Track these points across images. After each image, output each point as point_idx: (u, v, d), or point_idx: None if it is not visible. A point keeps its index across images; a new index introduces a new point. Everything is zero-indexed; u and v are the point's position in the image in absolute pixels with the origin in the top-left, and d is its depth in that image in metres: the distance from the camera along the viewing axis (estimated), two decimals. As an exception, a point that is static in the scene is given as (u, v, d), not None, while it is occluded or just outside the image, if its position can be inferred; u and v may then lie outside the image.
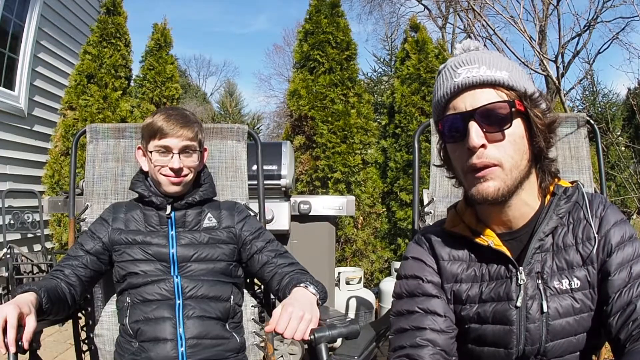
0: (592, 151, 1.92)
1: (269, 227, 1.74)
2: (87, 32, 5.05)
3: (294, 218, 2.82)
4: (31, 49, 4.51)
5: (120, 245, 1.45)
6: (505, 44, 4.46)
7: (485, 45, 4.80)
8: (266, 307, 1.66)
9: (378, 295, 3.65)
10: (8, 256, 3.64)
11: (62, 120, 4.42)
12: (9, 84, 4.39)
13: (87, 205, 1.73)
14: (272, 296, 1.64)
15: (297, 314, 1.11)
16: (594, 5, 4.09)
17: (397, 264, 3.63)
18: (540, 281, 0.93)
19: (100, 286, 1.64)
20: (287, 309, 1.12)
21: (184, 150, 1.43)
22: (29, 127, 4.60)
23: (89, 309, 1.62)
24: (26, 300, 1.14)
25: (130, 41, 4.65)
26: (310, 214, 2.85)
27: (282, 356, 2.69)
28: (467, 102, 0.90)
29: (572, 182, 1.01)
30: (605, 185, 1.83)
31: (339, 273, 3.46)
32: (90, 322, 1.61)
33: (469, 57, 0.92)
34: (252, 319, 1.58)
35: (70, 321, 1.61)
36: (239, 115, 17.29)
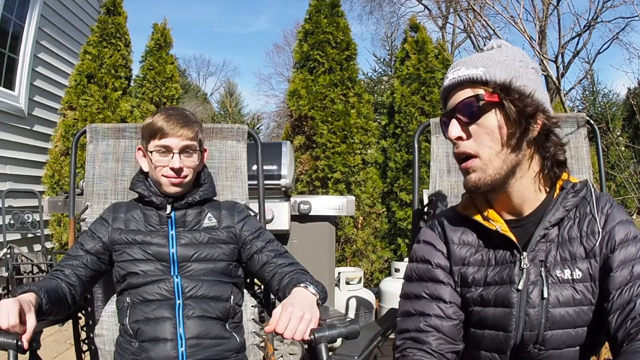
0: (592, 151, 1.92)
1: (269, 227, 1.74)
2: (87, 32, 5.05)
3: (294, 218, 2.82)
4: (31, 49, 4.52)
5: (120, 245, 1.45)
6: (505, 44, 4.46)
7: (484, 44, 4.80)
8: (266, 307, 1.66)
9: (378, 295, 3.65)
10: (8, 256, 3.64)
11: (62, 120, 4.42)
12: (9, 84, 4.39)
13: (87, 205, 1.73)
14: (272, 296, 1.64)
15: (297, 314, 1.11)
16: (594, 5, 4.10)
17: (397, 264, 3.63)
18: (543, 269, 0.96)
19: (100, 286, 1.64)
20: (287, 309, 1.12)
21: (184, 150, 1.43)
22: (29, 127, 4.60)
23: (89, 309, 1.62)
24: (26, 300, 1.14)
25: (130, 41, 4.65)
26: (310, 214, 2.85)
27: (282, 356, 2.69)
28: (451, 102, 1.00)
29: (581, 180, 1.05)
30: (605, 185, 1.83)
31: (339, 273, 3.46)
32: (90, 322, 1.61)
33: (456, 61, 1.02)
34: (252, 319, 1.58)
35: (70, 321, 1.61)
36: (239, 115, 17.29)
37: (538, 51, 3.20)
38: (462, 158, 0.99)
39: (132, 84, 4.71)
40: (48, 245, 4.31)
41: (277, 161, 2.84)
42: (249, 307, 1.58)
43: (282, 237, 2.65)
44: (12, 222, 4.02)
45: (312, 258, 2.65)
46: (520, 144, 0.95)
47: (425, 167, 3.25)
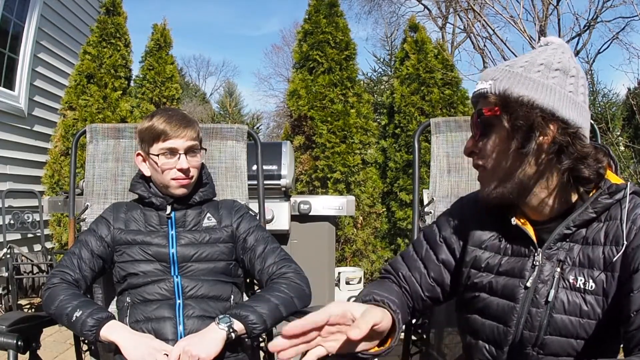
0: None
1: (269, 227, 1.74)
2: (87, 32, 5.05)
3: (294, 218, 2.83)
4: (31, 49, 4.52)
5: (121, 246, 1.45)
6: (505, 44, 4.47)
7: (485, 46, 4.80)
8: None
9: (378, 295, 3.65)
10: (8, 256, 3.64)
11: (62, 120, 4.42)
12: (9, 84, 4.39)
13: (87, 205, 1.73)
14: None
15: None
16: (594, 5, 4.09)
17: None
18: (558, 269, 0.92)
19: (100, 286, 1.64)
20: (180, 344, 1.25)
21: (189, 151, 1.43)
22: (29, 127, 4.60)
23: (89, 309, 1.62)
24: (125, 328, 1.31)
25: (130, 41, 4.65)
26: (310, 214, 2.85)
27: (282, 356, 2.69)
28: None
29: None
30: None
31: (339, 273, 3.46)
32: (91, 322, 1.61)
33: (483, 72, 1.01)
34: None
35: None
36: (239, 115, 17.29)
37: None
38: (476, 169, 0.99)
39: (132, 84, 4.71)
40: (48, 245, 4.31)
41: (277, 161, 2.84)
42: (249, 307, 1.58)
43: (282, 237, 2.65)
44: (12, 222, 4.02)
45: (312, 258, 2.65)
46: (521, 159, 0.90)
47: (425, 167, 3.25)
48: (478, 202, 1.02)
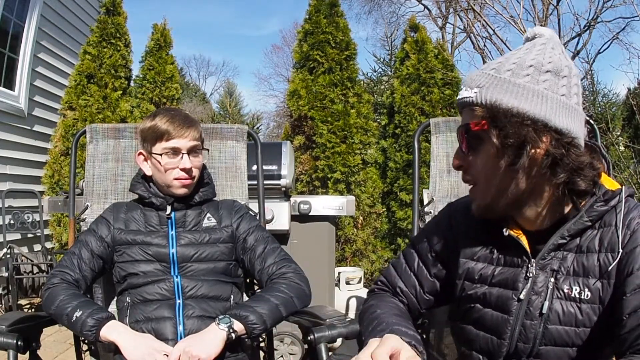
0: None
1: (269, 227, 1.74)
2: (87, 32, 5.05)
3: (294, 218, 2.82)
4: (31, 49, 4.51)
5: (121, 246, 1.45)
6: (505, 44, 4.47)
7: (485, 46, 4.80)
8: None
9: (378, 295, 3.64)
10: (8, 256, 3.64)
11: (62, 120, 4.42)
12: (9, 84, 4.39)
13: (87, 205, 1.73)
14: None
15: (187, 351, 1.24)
16: (594, 5, 4.10)
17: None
18: (552, 279, 0.90)
19: (100, 286, 1.65)
20: (180, 345, 1.26)
21: (192, 150, 1.44)
22: (29, 127, 4.60)
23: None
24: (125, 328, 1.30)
25: (130, 41, 4.65)
26: (310, 214, 2.85)
27: (282, 356, 2.69)
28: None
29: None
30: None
31: (339, 273, 3.46)
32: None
33: (466, 76, 0.94)
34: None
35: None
36: (239, 115, 17.30)
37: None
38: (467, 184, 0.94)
39: (132, 84, 4.71)
40: (48, 245, 4.31)
41: (277, 161, 2.84)
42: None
43: (282, 237, 2.65)
44: (12, 222, 4.02)
45: (312, 258, 2.65)
46: (512, 176, 0.86)
47: (425, 167, 3.25)
48: (469, 210, 0.98)
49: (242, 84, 44.29)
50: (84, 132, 1.79)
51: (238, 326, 1.29)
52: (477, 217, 0.95)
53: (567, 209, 0.90)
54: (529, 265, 0.92)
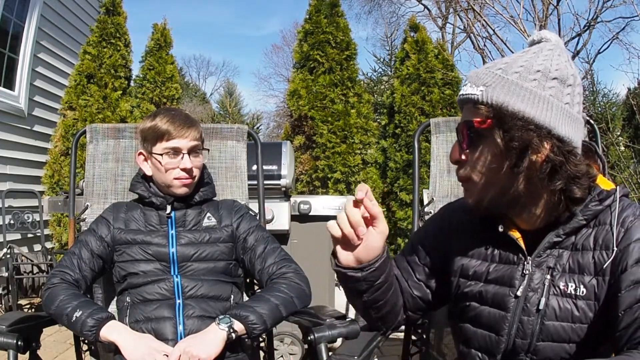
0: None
1: (269, 227, 1.74)
2: (87, 32, 5.05)
3: (294, 218, 2.83)
4: (31, 49, 4.52)
5: (121, 245, 1.45)
6: (505, 44, 4.47)
7: (485, 46, 4.80)
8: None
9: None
10: (8, 256, 3.64)
11: (62, 120, 4.42)
12: (9, 84, 4.39)
13: (87, 205, 1.73)
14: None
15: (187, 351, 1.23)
16: (594, 5, 4.10)
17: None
18: (548, 276, 0.91)
19: (100, 286, 1.65)
20: (180, 345, 1.25)
21: (192, 150, 1.44)
22: (29, 127, 4.60)
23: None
24: (125, 328, 1.30)
25: (130, 41, 4.65)
26: (310, 214, 2.85)
27: (282, 356, 2.69)
28: (461, 118, 0.94)
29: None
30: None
31: (339, 273, 3.45)
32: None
33: (470, 73, 0.94)
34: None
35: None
36: (239, 115, 17.30)
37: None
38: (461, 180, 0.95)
39: (132, 84, 4.71)
40: (48, 245, 4.31)
41: (277, 161, 2.84)
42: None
43: (282, 237, 2.65)
44: (12, 222, 4.02)
45: (312, 258, 2.64)
46: (512, 178, 0.87)
47: (425, 167, 3.25)
48: (465, 209, 0.99)
49: (242, 84, 44.29)
50: (84, 132, 1.79)
51: (238, 326, 1.28)
52: (472, 213, 0.96)
53: (562, 209, 0.91)
54: (525, 263, 0.93)
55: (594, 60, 3.73)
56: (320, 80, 4.42)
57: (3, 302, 3.70)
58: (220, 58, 52.66)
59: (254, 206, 1.72)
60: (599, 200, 0.89)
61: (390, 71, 10.89)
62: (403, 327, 1.57)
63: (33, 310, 3.99)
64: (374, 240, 0.93)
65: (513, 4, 4.40)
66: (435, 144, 1.80)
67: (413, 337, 1.62)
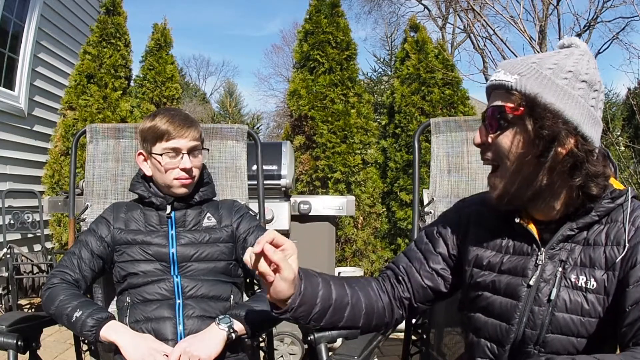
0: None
1: (268, 227, 1.74)
2: (87, 32, 5.05)
3: (294, 218, 2.82)
4: (31, 49, 4.51)
5: (121, 245, 1.45)
6: (505, 44, 4.47)
7: (485, 46, 4.80)
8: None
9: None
10: (8, 256, 3.64)
11: (62, 120, 4.42)
12: (9, 84, 4.39)
13: (87, 205, 1.73)
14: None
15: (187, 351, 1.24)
16: (594, 5, 4.10)
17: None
18: (560, 269, 0.94)
19: (100, 286, 1.65)
20: (181, 345, 1.26)
21: (192, 151, 1.44)
22: (29, 127, 4.60)
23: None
24: (125, 328, 1.30)
25: (130, 41, 4.65)
26: (310, 214, 2.85)
27: (282, 356, 2.69)
28: (489, 103, 0.97)
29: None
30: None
31: (339, 273, 3.46)
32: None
33: (504, 62, 0.97)
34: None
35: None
36: (239, 115, 17.30)
37: (538, 51, 3.21)
38: (487, 164, 0.98)
39: (132, 84, 4.71)
40: (48, 245, 4.31)
41: (277, 161, 2.84)
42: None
43: (282, 237, 2.64)
44: (12, 222, 4.02)
45: (312, 258, 2.64)
46: (537, 168, 0.90)
47: (425, 167, 3.25)
48: (483, 202, 1.02)
49: (242, 84, 44.33)
50: (84, 132, 1.79)
51: (238, 326, 1.29)
52: (494, 206, 0.98)
53: (577, 207, 0.95)
54: (539, 254, 0.96)
55: (594, 60, 3.72)
56: (320, 80, 4.42)
57: (3, 302, 3.70)
58: (220, 58, 52.70)
59: (254, 206, 1.72)
60: (612, 199, 0.93)
61: (390, 71, 10.89)
62: (403, 327, 1.57)
63: (33, 310, 3.99)
64: (279, 285, 0.96)
65: (513, 4, 4.40)
66: (435, 144, 1.80)
67: (413, 337, 1.62)
